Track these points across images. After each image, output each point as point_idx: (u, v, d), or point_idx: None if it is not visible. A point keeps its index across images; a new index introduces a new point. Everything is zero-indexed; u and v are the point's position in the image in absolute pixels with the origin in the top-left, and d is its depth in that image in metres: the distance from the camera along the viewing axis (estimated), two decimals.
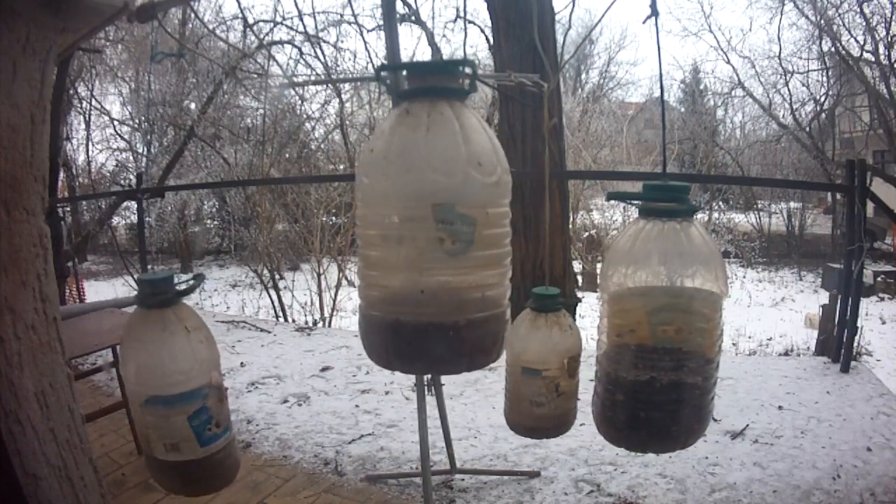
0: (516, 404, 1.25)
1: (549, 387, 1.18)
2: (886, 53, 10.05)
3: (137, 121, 9.78)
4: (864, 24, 10.22)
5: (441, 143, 0.65)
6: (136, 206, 4.73)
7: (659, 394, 0.78)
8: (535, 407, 1.20)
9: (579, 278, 9.14)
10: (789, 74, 12.55)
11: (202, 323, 0.92)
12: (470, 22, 7.76)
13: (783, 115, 13.17)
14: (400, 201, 0.66)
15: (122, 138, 10.20)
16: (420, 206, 0.64)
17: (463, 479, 1.97)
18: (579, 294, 4.20)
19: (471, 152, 0.65)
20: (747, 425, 2.28)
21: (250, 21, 6.80)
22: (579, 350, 1.21)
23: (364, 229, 0.71)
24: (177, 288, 0.90)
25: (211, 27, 7.64)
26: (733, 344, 6.48)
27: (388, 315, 0.69)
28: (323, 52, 7.25)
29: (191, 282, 0.93)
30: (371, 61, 6.74)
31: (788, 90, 12.82)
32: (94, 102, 9.66)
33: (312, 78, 7.53)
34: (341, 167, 8.38)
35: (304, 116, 8.40)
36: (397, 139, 0.67)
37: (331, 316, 6.54)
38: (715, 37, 15.36)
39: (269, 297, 6.86)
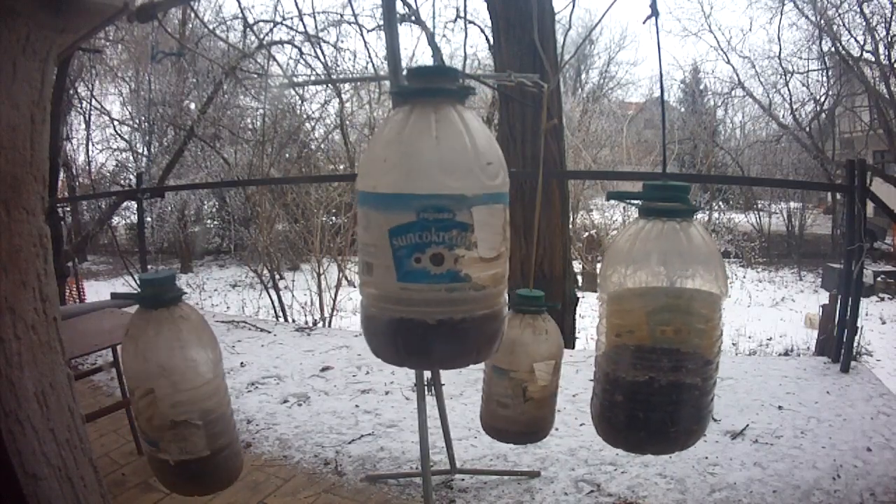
0: (486, 403, 1.24)
1: (515, 389, 1.16)
2: (886, 53, 10.05)
3: (137, 121, 9.80)
4: (864, 24, 10.22)
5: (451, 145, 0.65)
6: (136, 206, 4.74)
7: (657, 395, 0.78)
8: (500, 408, 1.19)
9: (579, 278, 9.14)
10: (789, 74, 12.57)
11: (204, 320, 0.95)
12: (470, 22, 7.73)
13: (783, 115, 13.19)
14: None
15: (122, 138, 10.22)
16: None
17: (463, 479, 1.97)
18: (579, 294, 4.19)
19: (479, 154, 0.65)
20: (747, 425, 2.28)
21: (250, 21, 6.79)
22: (552, 356, 1.17)
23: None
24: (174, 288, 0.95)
25: (211, 27, 7.64)
26: (733, 344, 6.48)
27: (394, 313, 0.69)
28: (323, 52, 7.25)
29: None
30: (371, 61, 6.74)
31: (788, 90, 12.85)
32: (94, 102, 9.67)
33: (312, 78, 7.52)
34: (341, 167, 8.39)
35: (304, 116, 8.41)
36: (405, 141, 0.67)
37: (331, 316, 6.55)
38: (715, 37, 15.43)
39: (269, 297, 6.86)
